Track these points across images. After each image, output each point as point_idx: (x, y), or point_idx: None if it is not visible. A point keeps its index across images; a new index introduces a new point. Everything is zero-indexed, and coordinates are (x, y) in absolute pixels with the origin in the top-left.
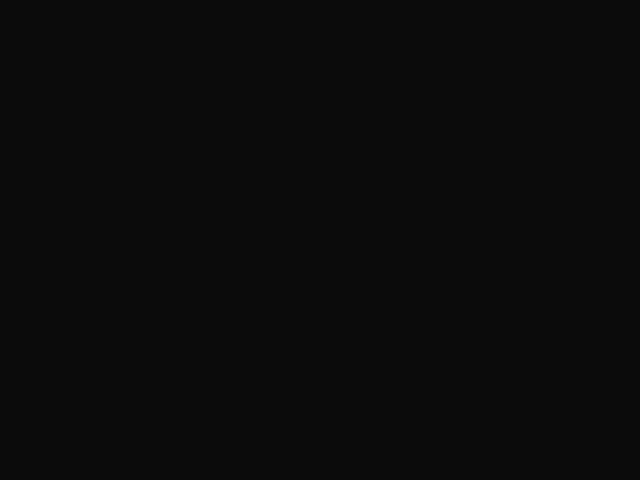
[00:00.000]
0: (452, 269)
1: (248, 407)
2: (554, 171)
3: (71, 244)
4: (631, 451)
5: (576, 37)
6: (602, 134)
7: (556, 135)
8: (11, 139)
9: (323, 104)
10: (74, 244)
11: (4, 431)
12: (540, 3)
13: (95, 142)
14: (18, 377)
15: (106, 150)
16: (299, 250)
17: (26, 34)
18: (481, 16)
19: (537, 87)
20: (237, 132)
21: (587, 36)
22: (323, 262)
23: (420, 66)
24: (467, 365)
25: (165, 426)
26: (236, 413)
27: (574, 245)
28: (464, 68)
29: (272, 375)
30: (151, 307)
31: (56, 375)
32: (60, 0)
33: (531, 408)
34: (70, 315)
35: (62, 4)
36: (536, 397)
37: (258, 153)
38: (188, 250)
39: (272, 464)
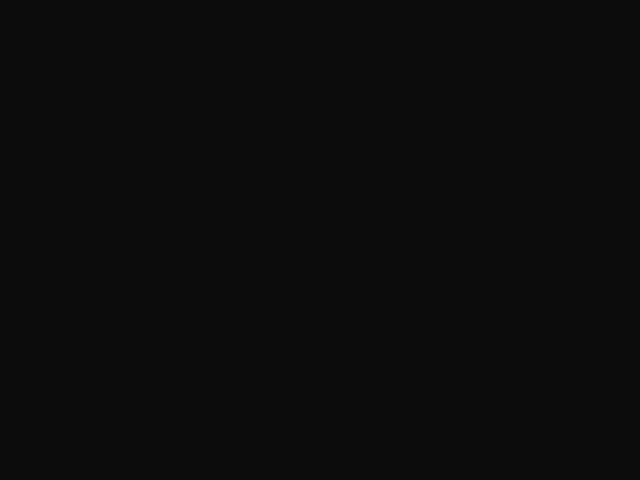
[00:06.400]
0: (452, 269)
1: (248, 407)
2: (554, 171)
3: (71, 244)
4: (631, 451)
5: (576, 37)
6: (602, 134)
7: (556, 135)
8: (11, 139)
9: (323, 104)
10: (74, 244)
11: (4, 431)
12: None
13: (95, 142)
14: (18, 377)
15: (106, 150)
16: (299, 250)
17: (26, 34)
18: (481, 16)
19: (536, 87)
20: (237, 132)
21: (587, 36)
22: (323, 262)
23: (420, 66)
24: (467, 365)
25: (165, 426)
26: (236, 413)
27: (573, 245)
28: (464, 68)
29: (272, 375)
30: (151, 306)
31: (56, 375)
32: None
33: (531, 408)
34: (70, 314)
35: (62, 4)
36: (536, 397)
37: (258, 153)
38: (188, 250)
39: (272, 464)
